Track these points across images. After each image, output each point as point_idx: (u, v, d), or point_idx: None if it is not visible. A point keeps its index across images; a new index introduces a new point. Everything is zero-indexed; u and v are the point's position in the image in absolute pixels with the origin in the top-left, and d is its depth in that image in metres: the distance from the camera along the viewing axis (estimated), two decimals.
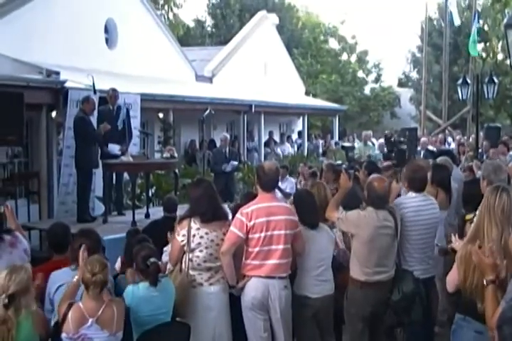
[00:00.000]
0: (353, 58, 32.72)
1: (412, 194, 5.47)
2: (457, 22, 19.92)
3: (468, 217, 5.30)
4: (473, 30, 19.02)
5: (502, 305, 3.18)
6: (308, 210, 5.15)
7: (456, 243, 4.16)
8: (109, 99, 9.60)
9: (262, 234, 4.71)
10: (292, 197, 5.70)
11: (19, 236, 4.75)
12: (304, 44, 31.33)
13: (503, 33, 8.31)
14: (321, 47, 31.69)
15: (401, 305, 5.01)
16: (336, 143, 19.28)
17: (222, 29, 31.30)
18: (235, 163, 12.46)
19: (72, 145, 9.50)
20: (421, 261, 5.37)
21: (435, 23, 29.42)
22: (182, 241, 4.70)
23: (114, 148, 9.28)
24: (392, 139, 10.51)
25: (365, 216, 4.99)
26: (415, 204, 5.35)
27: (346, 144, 18.92)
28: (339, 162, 11.06)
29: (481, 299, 3.55)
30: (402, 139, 10.33)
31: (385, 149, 11.34)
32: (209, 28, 33.28)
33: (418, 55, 30.59)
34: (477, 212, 3.97)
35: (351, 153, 16.16)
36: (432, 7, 28.31)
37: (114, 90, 9.65)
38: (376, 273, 4.98)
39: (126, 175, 9.88)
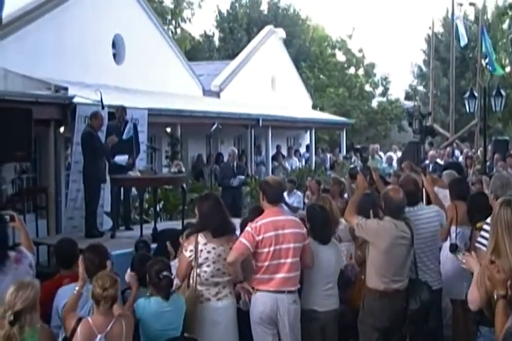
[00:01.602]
0: (360, 72, 32.78)
1: (405, 208, 5.49)
2: (463, 42, 19.88)
3: (479, 224, 5.27)
4: (488, 47, 18.77)
5: (510, 320, 3.17)
6: (321, 226, 5.17)
7: (463, 260, 4.14)
8: (117, 116, 9.64)
9: (271, 248, 4.72)
10: (306, 212, 5.70)
11: (24, 250, 4.77)
12: (312, 57, 31.46)
13: (510, 46, 8.31)
14: (328, 60, 31.80)
15: (420, 314, 5.07)
16: (345, 157, 19.28)
17: (229, 43, 31.52)
18: (242, 177, 12.47)
19: (80, 160, 9.52)
20: (423, 274, 5.42)
21: (441, 37, 29.47)
22: (190, 256, 4.69)
23: (122, 158, 9.28)
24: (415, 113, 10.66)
25: (384, 225, 5.04)
26: (411, 218, 5.36)
27: (359, 146, 18.98)
28: (352, 166, 11.02)
29: None
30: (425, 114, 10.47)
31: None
32: (217, 42, 33.50)
33: (425, 69, 30.63)
34: (489, 228, 3.94)
35: (365, 154, 16.13)
36: (439, 21, 28.39)
37: (123, 108, 9.69)
38: (394, 281, 5.02)
39: (134, 190, 9.89)
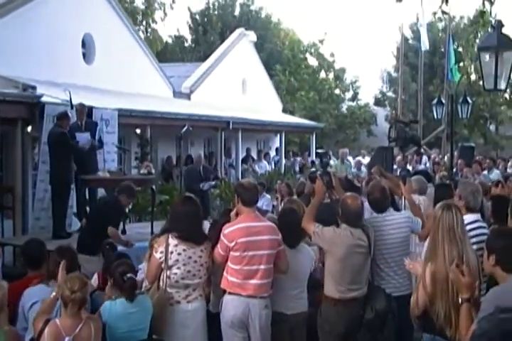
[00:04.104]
0: (331, 76, 32.98)
1: (374, 214, 5.55)
2: (424, 47, 20.30)
3: None
4: (450, 55, 19.29)
5: (474, 323, 3.23)
6: (293, 230, 5.15)
7: (410, 265, 4.20)
8: (76, 114, 9.56)
9: (244, 254, 4.72)
10: (278, 216, 5.71)
11: None
12: (284, 61, 31.58)
13: (476, 55, 8.50)
14: (299, 64, 31.94)
15: (375, 323, 5.05)
16: (313, 162, 19.31)
17: (202, 45, 31.41)
18: (213, 183, 12.47)
19: (47, 160, 9.43)
20: (390, 279, 5.43)
21: (410, 43, 29.85)
22: (160, 257, 4.66)
23: (83, 137, 9.18)
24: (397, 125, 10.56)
25: (340, 234, 5.03)
26: (377, 224, 5.43)
27: (320, 151, 19.10)
28: (313, 169, 11.06)
29: (450, 324, 3.60)
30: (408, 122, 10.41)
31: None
32: (189, 43, 33.35)
33: (394, 74, 30.98)
34: (430, 231, 3.99)
35: (325, 159, 16.17)
36: (406, 29, 28.77)
37: (81, 105, 9.61)
38: (350, 290, 5.02)
39: (103, 191, 9.82)
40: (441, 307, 3.71)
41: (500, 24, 6.97)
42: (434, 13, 21.67)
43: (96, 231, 6.70)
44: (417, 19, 21.43)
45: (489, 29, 7.37)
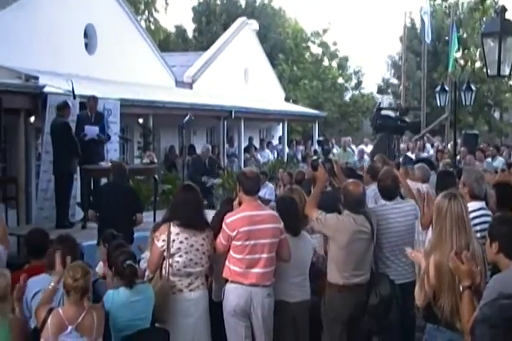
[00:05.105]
0: (334, 64, 32.81)
1: (382, 202, 5.53)
2: (428, 37, 20.19)
3: None
4: (453, 43, 19.27)
5: (477, 310, 3.22)
6: (292, 217, 5.14)
7: (412, 254, 4.18)
8: (88, 107, 9.58)
9: (246, 243, 4.71)
10: (275, 204, 5.71)
11: None
12: (287, 50, 31.43)
13: (481, 41, 8.46)
14: (302, 53, 31.80)
15: (379, 309, 5.07)
16: (315, 151, 19.28)
17: (206, 36, 31.23)
18: (215, 180, 12.47)
19: (51, 150, 9.44)
20: (396, 267, 5.45)
21: (417, 29, 29.63)
22: (162, 246, 4.66)
23: (93, 130, 9.21)
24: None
25: (343, 220, 5.04)
26: (385, 212, 5.43)
27: (320, 138, 19.13)
28: (315, 157, 11.06)
29: (458, 315, 3.57)
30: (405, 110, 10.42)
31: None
32: (192, 34, 33.17)
33: (399, 62, 30.80)
34: (435, 221, 3.94)
35: (327, 147, 16.21)
36: (414, 15, 28.53)
37: (94, 98, 9.63)
38: (354, 276, 5.04)
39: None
40: (447, 299, 3.65)
41: (503, 9, 6.91)
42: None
43: (122, 220, 6.78)
44: (421, 7, 21.26)
45: (492, 14, 7.31)
